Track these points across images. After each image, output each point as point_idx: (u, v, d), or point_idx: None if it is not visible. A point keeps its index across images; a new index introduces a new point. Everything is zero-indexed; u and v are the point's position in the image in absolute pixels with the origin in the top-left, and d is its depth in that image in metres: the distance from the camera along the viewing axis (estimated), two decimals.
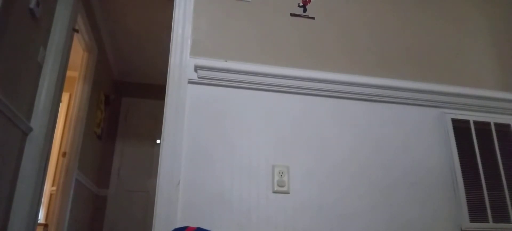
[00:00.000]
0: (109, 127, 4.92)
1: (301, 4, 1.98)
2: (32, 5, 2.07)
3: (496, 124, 1.95)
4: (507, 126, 1.96)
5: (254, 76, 1.75)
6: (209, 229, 1.49)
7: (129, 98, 5.17)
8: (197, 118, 1.66)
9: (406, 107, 1.89)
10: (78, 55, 3.73)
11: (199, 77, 1.71)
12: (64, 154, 3.37)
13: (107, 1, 3.66)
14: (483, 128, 1.93)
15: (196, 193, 1.55)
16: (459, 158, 1.84)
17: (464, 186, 1.79)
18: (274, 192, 1.61)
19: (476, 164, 1.86)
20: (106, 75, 4.56)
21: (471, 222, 1.74)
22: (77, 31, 2.88)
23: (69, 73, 2.91)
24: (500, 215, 1.80)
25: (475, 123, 1.93)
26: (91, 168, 4.15)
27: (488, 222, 1.77)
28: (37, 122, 2.24)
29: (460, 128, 1.90)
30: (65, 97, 4.70)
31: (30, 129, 2.19)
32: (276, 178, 1.62)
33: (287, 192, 1.62)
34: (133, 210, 4.65)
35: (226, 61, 1.75)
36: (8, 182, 1.98)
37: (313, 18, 1.97)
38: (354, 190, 1.69)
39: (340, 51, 1.94)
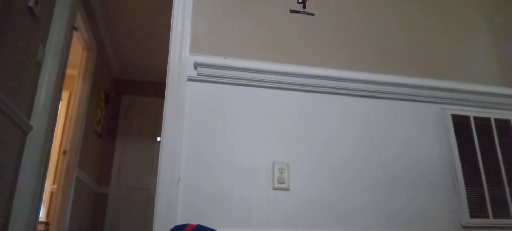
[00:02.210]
0: (109, 124, 4.92)
1: (300, 0, 1.98)
2: (31, 3, 2.07)
3: (496, 120, 1.95)
4: (507, 121, 1.96)
5: (254, 73, 1.74)
6: (209, 226, 1.49)
7: (129, 96, 5.17)
8: (197, 115, 1.66)
9: (406, 103, 1.89)
10: (78, 53, 3.73)
11: (198, 75, 1.70)
12: (64, 152, 3.37)
13: None
14: (483, 123, 1.93)
15: (196, 190, 1.55)
16: (459, 154, 1.84)
17: (464, 182, 1.79)
18: (274, 189, 1.61)
19: (476, 159, 1.86)
20: (106, 73, 4.56)
21: (471, 217, 1.74)
22: (76, 29, 2.87)
23: (68, 71, 2.91)
24: (500, 211, 1.80)
25: (475, 118, 1.93)
26: (92, 166, 4.15)
27: (488, 218, 1.77)
28: (37, 120, 2.24)
29: (460, 123, 1.90)
30: (65, 95, 4.70)
31: (30, 128, 2.19)
32: (276, 175, 1.63)
33: (287, 189, 1.62)
34: (133, 208, 4.66)
35: (225, 58, 1.75)
36: (8, 180, 1.98)
37: (313, 14, 1.97)
38: (355, 186, 1.69)
39: (340, 47, 1.94)
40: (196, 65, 1.70)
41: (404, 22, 2.09)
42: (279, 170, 1.63)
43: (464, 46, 2.12)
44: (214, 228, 1.49)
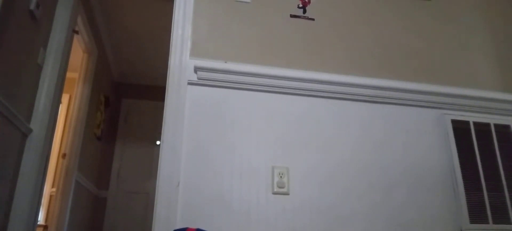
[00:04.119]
0: (109, 128, 4.92)
1: (301, 5, 1.98)
2: (32, 6, 2.08)
3: (496, 125, 1.95)
4: (507, 126, 1.96)
5: (254, 77, 1.75)
6: (208, 230, 1.49)
7: (129, 100, 5.17)
8: (197, 119, 1.66)
9: (405, 108, 1.89)
10: (78, 56, 3.74)
11: (199, 79, 1.71)
12: (64, 155, 3.37)
13: (107, 3, 3.67)
14: (483, 128, 1.93)
15: (196, 194, 1.55)
16: (459, 159, 1.84)
17: (464, 187, 1.79)
18: (274, 193, 1.61)
19: (476, 165, 1.86)
20: (106, 77, 4.56)
21: (471, 223, 1.74)
22: (77, 32, 2.88)
23: (69, 74, 2.91)
24: (500, 216, 1.79)
25: (475, 124, 1.93)
26: (91, 169, 4.15)
27: (488, 223, 1.77)
28: (37, 123, 2.24)
29: (460, 129, 1.90)
30: (65, 98, 4.70)
31: (30, 130, 2.19)
32: (276, 179, 1.62)
33: (287, 193, 1.62)
34: (133, 212, 4.65)
35: (226, 62, 1.75)
36: (8, 183, 1.98)
37: (313, 19, 1.98)
38: (354, 191, 1.69)
39: (340, 52, 1.94)
40: (196, 69, 1.71)
41: (404, 27, 2.09)
42: (279, 174, 1.63)
43: (464, 51, 2.12)
44: None
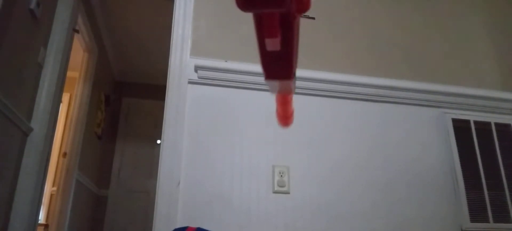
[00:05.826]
0: (110, 127, 4.92)
1: None
2: (33, 5, 2.07)
3: (496, 124, 1.95)
4: (508, 125, 1.96)
5: (254, 77, 1.74)
6: (209, 229, 1.49)
7: (130, 99, 5.17)
8: (197, 118, 1.66)
9: (406, 107, 1.89)
10: (79, 55, 3.73)
11: (199, 78, 1.71)
12: (64, 154, 3.37)
13: (107, 1, 3.67)
14: (483, 127, 1.93)
15: (197, 193, 1.55)
16: (460, 158, 1.84)
17: (465, 186, 1.79)
18: (274, 192, 1.61)
19: (477, 163, 1.86)
20: (106, 76, 4.56)
21: (471, 222, 1.74)
22: (77, 31, 2.88)
23: (69, 73, 2.91)
24: (501, 215, 1.79)
25: (476, 122, 1.93)
26: (92, 168, 4.15)
27: (489, 222, 1.77)
28: (37, 122, 2.24)
29: (461, 127, 1.90)
30: (65, 97, 4.70)
31: (31, 129, 2.19)
32: (276, 178, 1.62)
33: (287, 192, 1.62)
34: (133, 210, 4.65)
35: (226, 61, 1.75)
36: (8, 182, 1.98)
37: (313, 18, 1.97)
38: (354, 189, 1.69)
39: (340, 51, 1.94)
40: (197, 68, 1.70)
41: (404, 26, 2.09)
42: (279, 173, 1.63)
43: (464, 50, 2.12)
44: (213, 230, 1.49)
